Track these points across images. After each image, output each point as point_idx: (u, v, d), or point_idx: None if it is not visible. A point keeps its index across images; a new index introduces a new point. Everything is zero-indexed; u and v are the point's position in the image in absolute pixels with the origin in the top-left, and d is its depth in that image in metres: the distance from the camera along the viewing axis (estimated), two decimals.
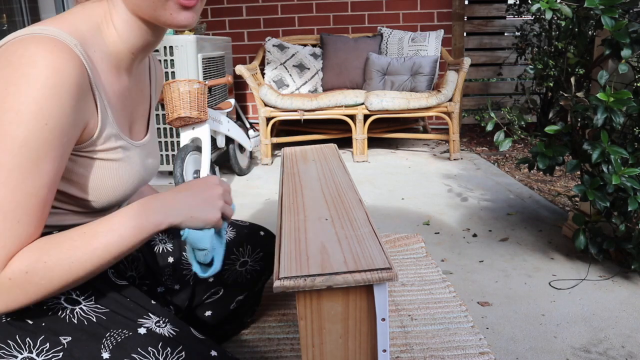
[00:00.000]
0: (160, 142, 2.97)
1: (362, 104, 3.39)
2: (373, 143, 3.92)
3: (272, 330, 1.40)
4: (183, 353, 0.75)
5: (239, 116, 3.88)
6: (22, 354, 0.71)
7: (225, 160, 3.22)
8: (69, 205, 0.78)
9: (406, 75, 3.55)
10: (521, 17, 3.85)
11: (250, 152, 3.37)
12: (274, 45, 3.86)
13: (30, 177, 0.63)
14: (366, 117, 3.41)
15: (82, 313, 0.75)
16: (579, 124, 1.72)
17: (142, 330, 0.76)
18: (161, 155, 2.99)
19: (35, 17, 3.15)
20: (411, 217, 2.33)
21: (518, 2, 3.78)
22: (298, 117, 3.39)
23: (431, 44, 3.73)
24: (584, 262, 1.79)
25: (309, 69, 3.83)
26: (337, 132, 3.66)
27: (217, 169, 2.75)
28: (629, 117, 1.55)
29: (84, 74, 0.69)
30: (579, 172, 1.78)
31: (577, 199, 2.11)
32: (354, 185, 1.17)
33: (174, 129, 2.91)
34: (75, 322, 0.74)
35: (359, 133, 3.42)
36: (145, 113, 0.91)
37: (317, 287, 0.72)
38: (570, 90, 1.67)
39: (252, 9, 4.23)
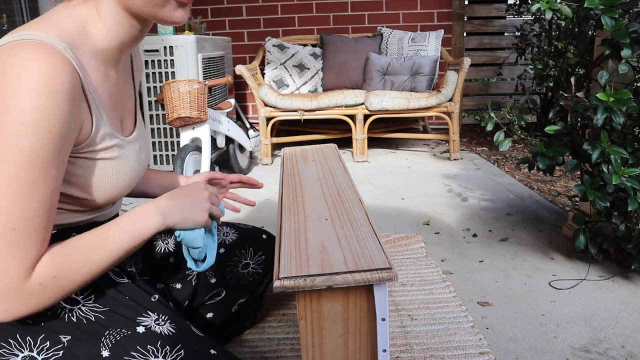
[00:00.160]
0: (160, 142, 2.97)
1: (362, 104, 3.39)
2: (373, 143, 3.92)
3: (272, 330, 1.40)
4: (182, 351, 0.75)
5: (239, 116, 3.88)
6: (22, 352, 0.71)
7: (225, 160, 3.22)
8: (69, 205, 0.78)
9: (406, 75, 3.55)
10: (521, 17, 3.85)
11: (250, 152, 3.37)
12: (274, 45, 3.86)
13: (41, 185, 0.66)
14: (366, 117, 3.41)
15: (81, 312, 0.76)
16: (579, 124, 1.72)
17: (140, 329, 0.76)
18: (161, 155, 2.99)
19: (35, 17, 3.15)
20: (411, 217, 2.33)
21: (518, 2, 3.78)
22: (298, 117, 3.39)
23: (431, 44, 3.73)
24: (584, 262, 1.79)
25: (309, 69, 3.83)
26: (337, 132, 3.66)
27: (217, 169, 2.75)
28: (629, 117, 1.55)
29: (76, 77, 0.69)
30: (579, 172, 1.78)
31: (577, 199, 2.11)
32: (354, 185, 1.17)
33: (174, 129, 2.92)
34: (75, 321, 0.75)
35: (359, 133, 3.42)
36: (132, 106, 0.91)
37: (317, 287, 0.72)
38: (570, 90, 1.67)
39: (252, 9, 4.23)
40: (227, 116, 2.95)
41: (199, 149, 2.60)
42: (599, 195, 1.55)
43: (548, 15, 1.54)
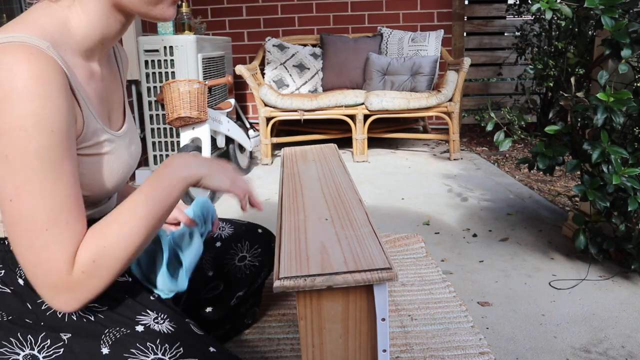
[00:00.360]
0: (160, 142, 2.97)
1: (362, 104, 3.39)
2: (373, 143, 3.92)
3: (272, 330, 1.40)
4: (181, 349, 0.75)
5: (239, 116, 3.88)
6: (24, 351, 0.72)
7: (225, 160, 3.22)
8: None
9: (406, 75, 3.55)
10: (521, 17, 3.85)
11: (250, 152, 3.37)
12: (274, 45, 3.86)
13: (58, 182, 0.66)
14: (366, 117, 3.41)
15: (80, 312, 0.76)
16: (579, 124, 1.72)
17: (139, 328, 0.77)
18: (161, 155, 2.99)
19: None
20: (411, 217, 2.33)
21: (518, 2, 3.78)
22: (298, 117, 3.39)
23: (431, 44, 3.73)
24: (584, 262, 1.79)
25: (309, 69, 3.83)
26: (337, 132, 3.66)
27: None
28: (629, 117, 1.55)
29: (64, 74, 0.68)
30: (579, 172, 1.78)
31: (577, 199, 2.11)
32: (354, 185, 1.17)
33: (174, 129, 2.92)
34: (75, 319, 0.75)
35: (359, 133, 3.42)
36: (120, 101, 0.91)
37: (317, 287, 0.72)
38: (570, 90, 1.67)
39: (252, 9, 4.23)
40: (227, 116, 2.95)
41: (199, 149, 2.60)
42: (599, 195, 1.55)
43: (548, 15, 1.54)
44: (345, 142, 3.78)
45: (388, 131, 3.76)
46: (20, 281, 0.76)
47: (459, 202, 2.53)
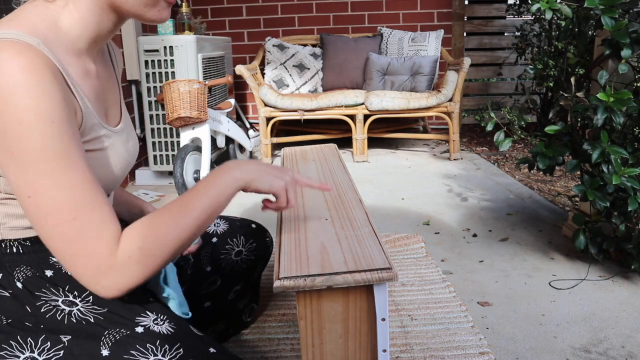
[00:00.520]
0: (160, 142, 2.97)
1: (362, 104, 3.39)
2: (373, 143, 3.92)
3: (272, 330, 1.40)
4: (181, 350, 0.75)
5: (239, 116, 3.88)
6: (24, 353, 0.71)
7: (225, 160, 3.22)
8: None
9: (406, 75, 3.55)
10: (521, 17, 3.85)
11: (250, 152, 3.37)
12: (274, 45, 3.86)
13: (70, 171, 0.67)
14: (366, 117, 3.41)
15: (79, 314, 0.76)
16: (579, 124, 1.72)
17: (139, 329, 0.77)
18: (161, 155, 2.99)
19: None
20: (411, 217, 2.33)
21: (518, 2, 3.78)
22: (298, 117, 3.39)
23: (431, 44, 3.73)
24: (584, 262, 1.79)
25: (309, 69, 3.83)
26: (337, 132, 3.66)
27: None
28: (629, 117, 1.55)
29: (55, 68, 0.68)
30: (579, 172, 1.78)
31: (577, 199, 2.11)
32: (354, 185, 1.17)
33: (174, 129, 2.91)
34: (74, 322, 0.75)
35: (359, 133, 3.42)
36: (116, 99, 0.91)
37: (317, 287, 0.72)
38: (570, 90, 1.66)
39: (252, 9, 4.23)
40: (227, 116, 2.95)
41: (199, 149, 2.60)
42: (599, 195, 1.55)
43: (548, 15, 1.54)
44: (345, 142, 3.78)
45: (388, 131, 3.76)
46: (19, 284, 0.76)
47: (459, 202, 2.53)
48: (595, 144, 1.53)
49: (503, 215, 2.31)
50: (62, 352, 0.72)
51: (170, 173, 3.08)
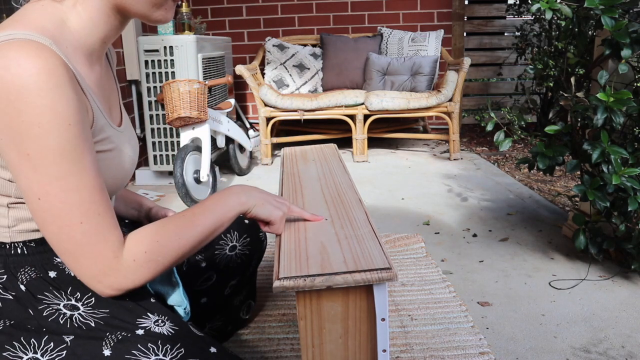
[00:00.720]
0: (160, 142, 2.97)
1: (362, 104, 3.39)
2: (373, 143, 3.92)
3: (272, 330, 1.40)
4: (182, 349, 0.75)
5: (239, 116, 3.88)
6: (27, 354, 0.71)
7: (225, 160, 3.22)
8: None
9: (406, 75, 3.55)
10: (521, 17, 3.85)
11: (250, 152, 3.37)
12: (274, 45, 3.86)
13: (82, 175, 0.68)
14: (366, 117, 3.41)
15: (80, 318, 0.76)
16: (579, 124, 1.72)
17: (140, 332, 0.77)
18: (161, 155, 2.99)
19: None
20: (411, 217, 2.33)
21: (518, 2, 3.78)
22: (298, 117, 3.39)
23: (431, 44, 3.73)
24: (584, 262, 1.79)
25: (309, 69, 3.83)
26: (337, 132, 3.66)
27: (217, 169, 2.75)
28: (629, 117, 1.55)
29: (68, 68, 0.68)
30: (579, 172, 1.78)
31: (577, 199, 2.11)
32: (354, 185, 1.17)
33: (174, 129, 2.91)
34: (76, 325, 0.75)
35: (359, 133, 3.42)
36: (116, 98, 0.91)
37: (317, 287, 0.72)
38: (570, 90, 1.66)
39: (252, 9, 4.23)
40: (227, 116, 2.95)
41: (199, 149, 2.60)
42: (599, 195, 1.55)
43: (548, 15, 1.54)
44: (345, 142, 3.78)
45: (388, 131, 3.76)
46: (22, 287, 0.76)
47: (459, 202, 2.53)
48: (595, 144, 1.53)
49: (503, 215, 2.31)
50: (64, 352, 0.72)
51: (171, 173, 3.08)
